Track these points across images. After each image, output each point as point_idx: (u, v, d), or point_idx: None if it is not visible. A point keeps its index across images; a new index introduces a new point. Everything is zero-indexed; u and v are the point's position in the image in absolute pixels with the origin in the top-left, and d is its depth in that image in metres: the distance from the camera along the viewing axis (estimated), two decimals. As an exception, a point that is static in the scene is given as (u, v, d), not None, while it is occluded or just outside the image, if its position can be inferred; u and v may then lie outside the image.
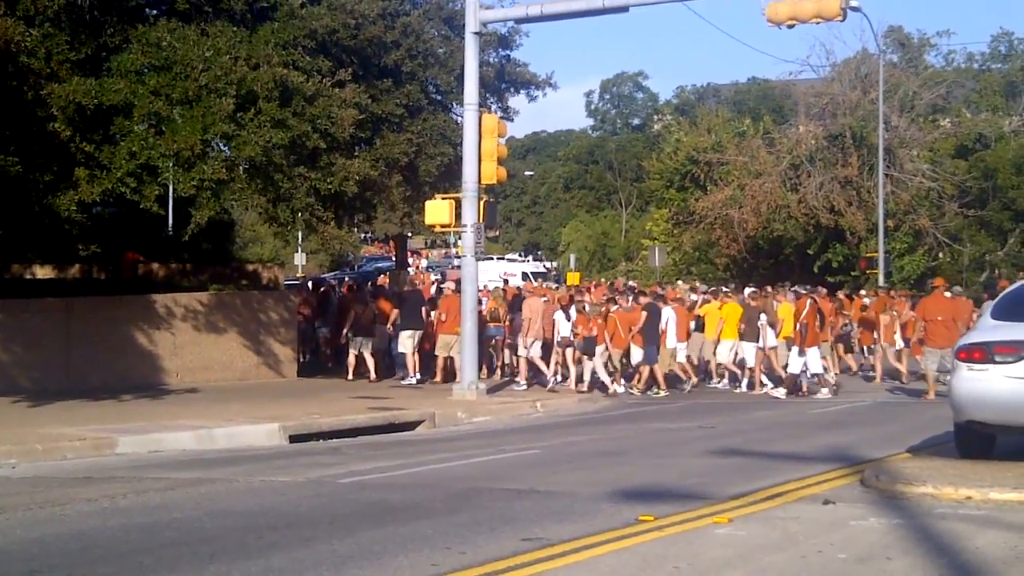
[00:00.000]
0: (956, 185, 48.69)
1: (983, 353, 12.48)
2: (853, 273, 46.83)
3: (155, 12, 22.11)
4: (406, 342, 26.19)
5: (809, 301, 24.48)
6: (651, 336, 25.16)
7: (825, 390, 24.51)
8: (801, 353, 24.21)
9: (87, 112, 18.99)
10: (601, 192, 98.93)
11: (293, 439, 17.88)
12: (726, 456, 14.90)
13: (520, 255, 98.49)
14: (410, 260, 64.07)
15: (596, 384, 25.55)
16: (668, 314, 25.69)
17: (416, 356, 26.45)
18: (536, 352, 25.83)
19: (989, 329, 13.07)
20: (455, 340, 24.93)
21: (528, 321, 25.52)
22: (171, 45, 19.55)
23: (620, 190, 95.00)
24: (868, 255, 45.28)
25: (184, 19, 20.90)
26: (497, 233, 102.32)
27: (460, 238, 24.94)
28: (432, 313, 27.12)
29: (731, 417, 20.74)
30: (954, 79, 60.00)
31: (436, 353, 26.40)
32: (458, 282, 25.77)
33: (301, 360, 28.63)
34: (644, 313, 25.16)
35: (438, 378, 25.97)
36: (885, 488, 11.54)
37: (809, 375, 24.75)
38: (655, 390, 25.23)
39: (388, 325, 27.11)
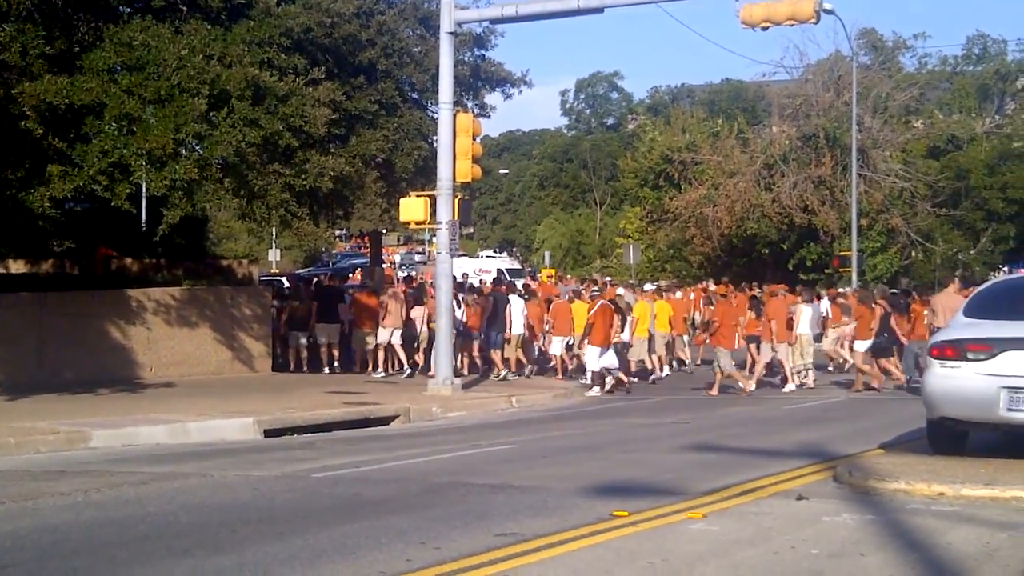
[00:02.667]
0: (929, 185, 49.01)
1: (956, 350, 12.54)
2: (827, 271, 47.08)
3: (129, 10, 21.95)
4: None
5: (600, 303, 24.89)
6: (494, 324, 26.63)
7: (596, 389, 24.67)
8: (578, 348, 25.52)
9: (58, 111, 18.84)
10: (576, 190, 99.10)
11: (268, 433, 17.82)
12: (700, 452, 14.94)
13: (495, 251, 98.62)
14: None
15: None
16: (514, 303, 26.97)
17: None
18: (396, 340, 26.69)
19: (962, 327, 13.13)
20: (367, 335, 27.22)
21: (384, 310, 26.55)
22: (144, 44, 19.35)
23: (595, 188, 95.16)
24: (841, 253, 45.54)
25: (159, 17, 20.74)
26: (472, 230, 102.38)
27: (435, 235, 24.97)
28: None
29: (705, 413, 20.82)
30: (927, 81, 60.32)
31: (353, 346, 27.81)
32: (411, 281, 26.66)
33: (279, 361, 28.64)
34: (492, 300, 26.92)
35: (358, 367, 27.43)
36: (858, 484, 11.59)
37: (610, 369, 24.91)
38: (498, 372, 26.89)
39: (312, 321, 27.73)
